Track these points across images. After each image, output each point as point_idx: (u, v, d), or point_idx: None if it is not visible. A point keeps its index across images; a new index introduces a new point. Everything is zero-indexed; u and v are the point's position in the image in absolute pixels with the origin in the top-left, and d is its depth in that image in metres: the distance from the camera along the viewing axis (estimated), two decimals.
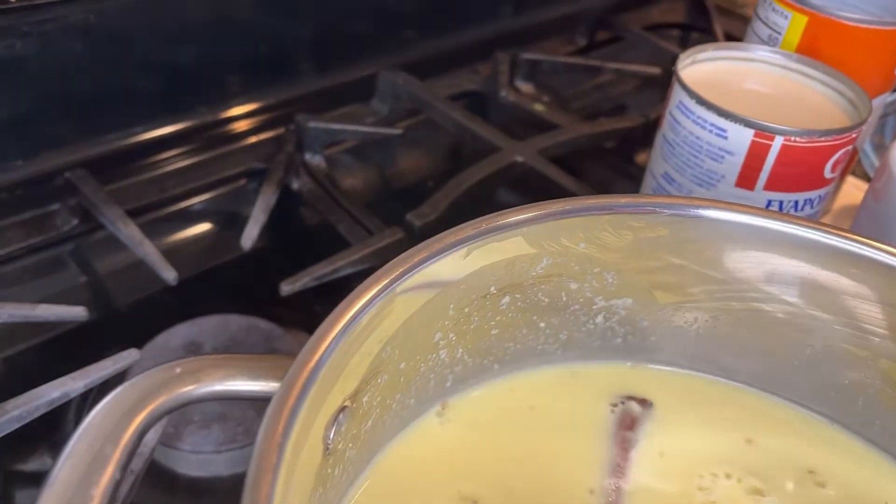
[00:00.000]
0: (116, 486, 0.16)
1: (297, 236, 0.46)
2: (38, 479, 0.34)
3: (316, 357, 0.19)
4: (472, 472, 0.25)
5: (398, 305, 0.21)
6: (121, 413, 0.17)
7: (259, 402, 0.20)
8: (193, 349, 0.37)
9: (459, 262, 0.23)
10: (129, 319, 0.40)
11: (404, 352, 0.23)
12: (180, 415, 0.34)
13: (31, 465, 0.34)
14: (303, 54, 0.51)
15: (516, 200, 0.51)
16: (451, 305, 0.24)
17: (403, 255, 0.21)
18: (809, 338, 0.26)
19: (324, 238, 0.43)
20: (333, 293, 0.41)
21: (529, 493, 0.24)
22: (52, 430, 0.35)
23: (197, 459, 0.34)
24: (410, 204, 0.43)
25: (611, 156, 0.53)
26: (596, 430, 0.26)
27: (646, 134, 0.52)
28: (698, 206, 0.24)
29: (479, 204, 0.47)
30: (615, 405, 0.27)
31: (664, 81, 0.59)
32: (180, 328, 0.38)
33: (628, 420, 0.26)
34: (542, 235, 0.24)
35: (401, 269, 0.21)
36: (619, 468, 0.25)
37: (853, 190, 0.46)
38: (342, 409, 0.21)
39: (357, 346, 0.20)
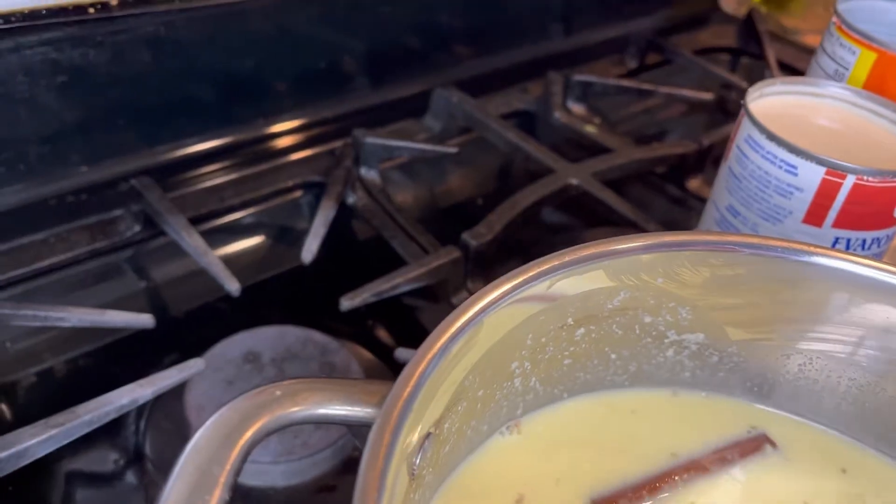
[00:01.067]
0: None
1: (349, 250, 0.47)
2: (97, 480, 0.35)
3: (411, 385, 0.19)
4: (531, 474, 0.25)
5: (484, 335, 0.22)
6: (225, 434, 0.18)
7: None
8: (252, 359, 0.38)
9: (542, 293, 0.23)
10: (185, 327, 0.41)
11: (484, 380, 0.23)
12: None
13: (92, 466, 0.35)
14: (358, 69, 0.52)
15: (566, 222, 0.52)
16: (530, 335, 0.24)
17: (492, 284, 0.22)
18: (885, 380, 0.26)
19: (376, 253, 0.43)
20: (384, 308, 0.42)
21: (591, 470, 0.25)
22: (112, 432, 0.36)
23: (253, 469, 0.34)
24: (459, 221, 0.43)
25: (659, 179, 0.54)
26: (700, 435, 0.26)
27: (698, 160, 0.52)
28: (778, 248, 0.24)
29: (530, 225, 0.47)
30: (754, 427, 0.27)
31: (711, 107, 0.59)
32: (238, 338, 0.39)
33: (751, 448, 0.26)
34: (623, 269, 0.24)
35: (490, 299, 0.21)
36: (702, 468, 0.25)
37: None
38: (428, 435, 0.21)
39: (446, 374, 0.21)
